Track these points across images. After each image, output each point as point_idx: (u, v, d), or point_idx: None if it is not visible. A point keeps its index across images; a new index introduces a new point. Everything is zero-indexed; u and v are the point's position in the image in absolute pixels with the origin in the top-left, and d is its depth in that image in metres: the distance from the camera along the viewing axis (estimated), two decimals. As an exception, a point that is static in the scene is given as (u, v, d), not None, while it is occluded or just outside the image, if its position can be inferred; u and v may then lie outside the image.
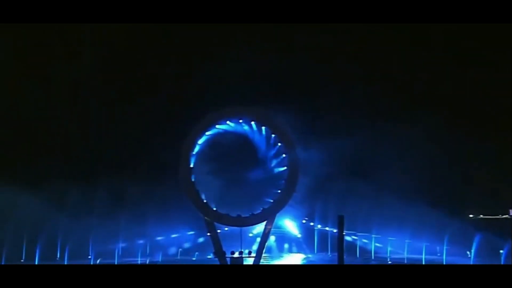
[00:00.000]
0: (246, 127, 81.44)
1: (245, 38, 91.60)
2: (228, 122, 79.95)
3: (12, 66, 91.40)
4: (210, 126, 79.40)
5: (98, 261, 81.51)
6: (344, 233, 62.97)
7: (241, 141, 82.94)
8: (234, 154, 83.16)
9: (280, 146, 79.56)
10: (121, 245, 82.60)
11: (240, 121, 79.53)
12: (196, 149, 78.77)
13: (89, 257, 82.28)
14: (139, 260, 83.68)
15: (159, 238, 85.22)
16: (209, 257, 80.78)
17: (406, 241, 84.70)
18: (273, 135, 79.67)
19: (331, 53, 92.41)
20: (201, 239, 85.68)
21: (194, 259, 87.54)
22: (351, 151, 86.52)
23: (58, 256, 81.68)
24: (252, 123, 79.92)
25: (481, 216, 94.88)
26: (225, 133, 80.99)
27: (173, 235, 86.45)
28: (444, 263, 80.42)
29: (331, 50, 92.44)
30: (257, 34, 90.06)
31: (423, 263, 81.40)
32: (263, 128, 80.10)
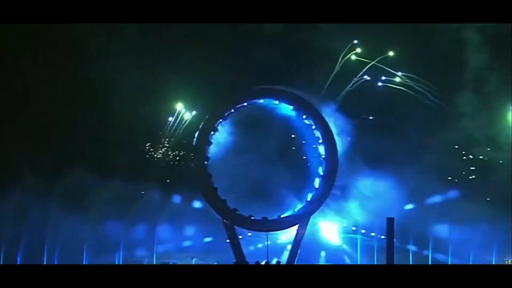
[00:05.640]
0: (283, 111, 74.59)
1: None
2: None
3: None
4: (233, 107, 71.90)
5: None
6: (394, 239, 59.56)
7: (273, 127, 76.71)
8: (262, 144, 76.94)
9: (317, 137, 72.95)
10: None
11: (276, 102, 72.87)
12: (215, 136, 71.91)
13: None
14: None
15: (169, 245, 79.96)
16: None
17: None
18: (309, 123, 72.90)
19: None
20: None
21: None
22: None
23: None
24: (290, 107, 73.16)
25: None
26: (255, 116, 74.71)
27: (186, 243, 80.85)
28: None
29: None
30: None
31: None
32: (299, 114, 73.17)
